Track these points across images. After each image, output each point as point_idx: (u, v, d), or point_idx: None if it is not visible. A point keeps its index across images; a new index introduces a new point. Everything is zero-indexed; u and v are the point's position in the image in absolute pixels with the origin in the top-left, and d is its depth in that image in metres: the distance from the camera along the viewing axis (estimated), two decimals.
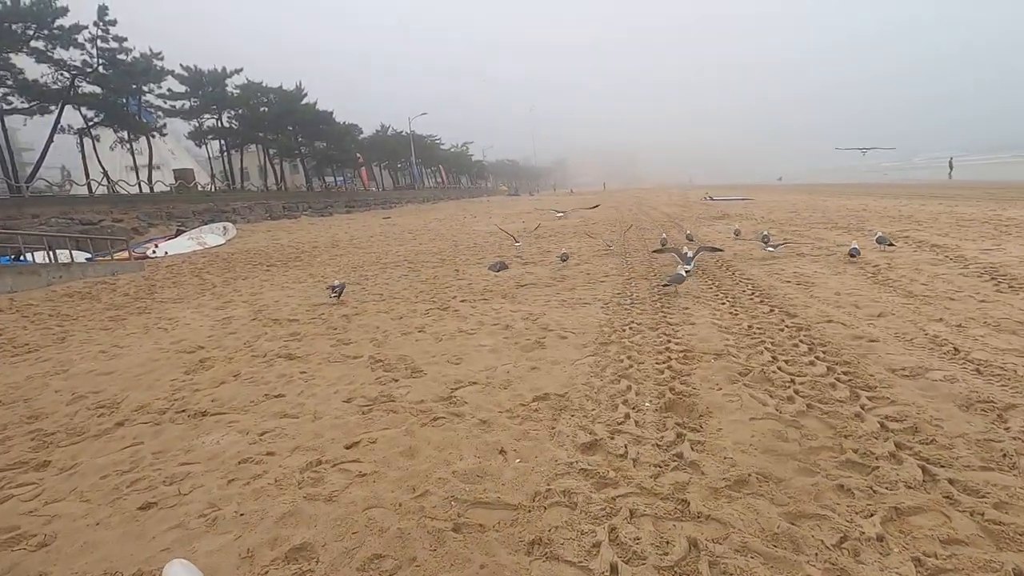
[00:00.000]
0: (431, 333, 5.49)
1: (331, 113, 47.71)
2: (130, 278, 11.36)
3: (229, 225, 21.52)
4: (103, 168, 27.49)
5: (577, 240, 13.16)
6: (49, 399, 4.36)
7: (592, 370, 3.99)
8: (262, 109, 40.28)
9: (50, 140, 24.59)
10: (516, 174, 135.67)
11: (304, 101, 43.73)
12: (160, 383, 4.61)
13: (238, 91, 38.48)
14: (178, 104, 35.67)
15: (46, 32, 23.12)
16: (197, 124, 38.02)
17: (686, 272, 6.85)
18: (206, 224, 21.89)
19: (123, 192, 27.34)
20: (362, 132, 57.13)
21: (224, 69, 36.73)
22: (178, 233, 19.34)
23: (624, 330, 5.01)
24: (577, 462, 2.68)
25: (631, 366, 4.00)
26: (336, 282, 7.83)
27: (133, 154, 30.26)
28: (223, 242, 18.84)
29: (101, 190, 26.22)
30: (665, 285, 6.64)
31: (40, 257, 12.15)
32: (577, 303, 6.36)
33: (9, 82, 23.08)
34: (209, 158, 41.39)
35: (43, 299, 8.99)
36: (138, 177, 29.42)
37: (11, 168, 22.99)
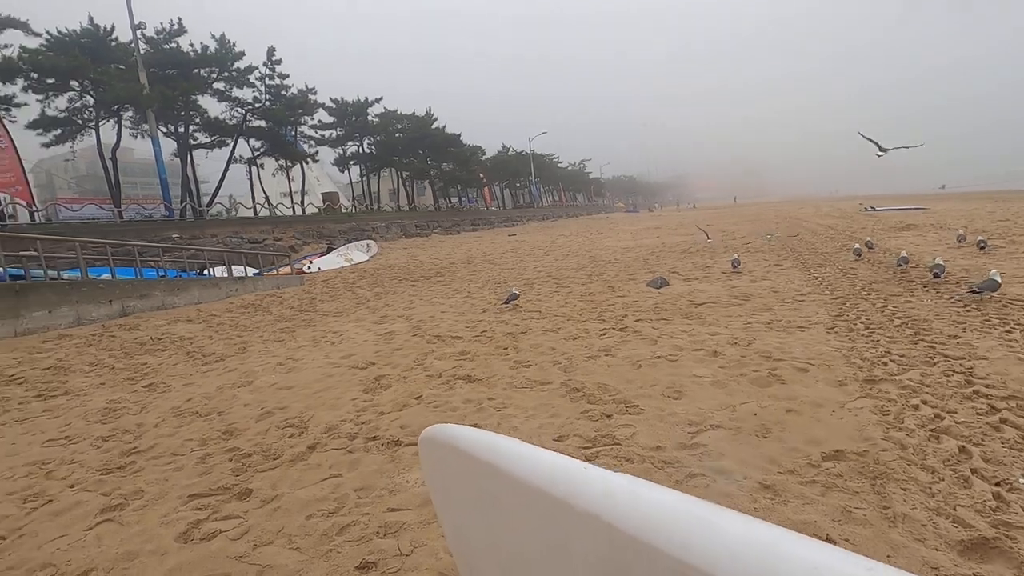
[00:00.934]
0: (622, 358, 4.74)
1: (458, 136, 49.83)
2: (293, 291, 12.06)
3: (372, 243, 22.74)
4: (264, 193, 30.85)
5: (738, 254, 11.84)
6: (240, 413, 4.26)
7: (882, 418, 2.98)
8: (397, 135, 43.11)
9: (226, 169, 28.06)
10: (633, 190, 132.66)
11: (434, 126, 46.16)
12: (341, 401, 4.36)
13: (377, 119, 41.52)
14: (326, 134, 39.33)
15: (226, 74, 26.47)
16: (341, 151, 41.64)
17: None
18: (351, 242, 23.35)
19: (280, 214, 30.36)
20: (484, 153, 59.10)
21: (366, 99, 39.79)
22: (328, 250, 20.75)
23: (885, 363, 3.89)
24: None
25: (940, 415, 2.93)
26: (514, 289, 8.00)
27: (289, 180, 33.71)
28: (367, 258, 19.85)
29: (263, 212, 29.35)
30: (973, 292, 5.40)
31: (219, 272, 13.40)
32: (789, 326, 5.27)
33: (197, 120, 26.69)
34: (350, 182, 44.97)
35: (223, 310, 9.68)
36: (292, 201, 32.60)
37: (196, 194, 26.47)
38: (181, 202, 24.47)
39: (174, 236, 18.92)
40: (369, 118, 40.66)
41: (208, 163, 33.76)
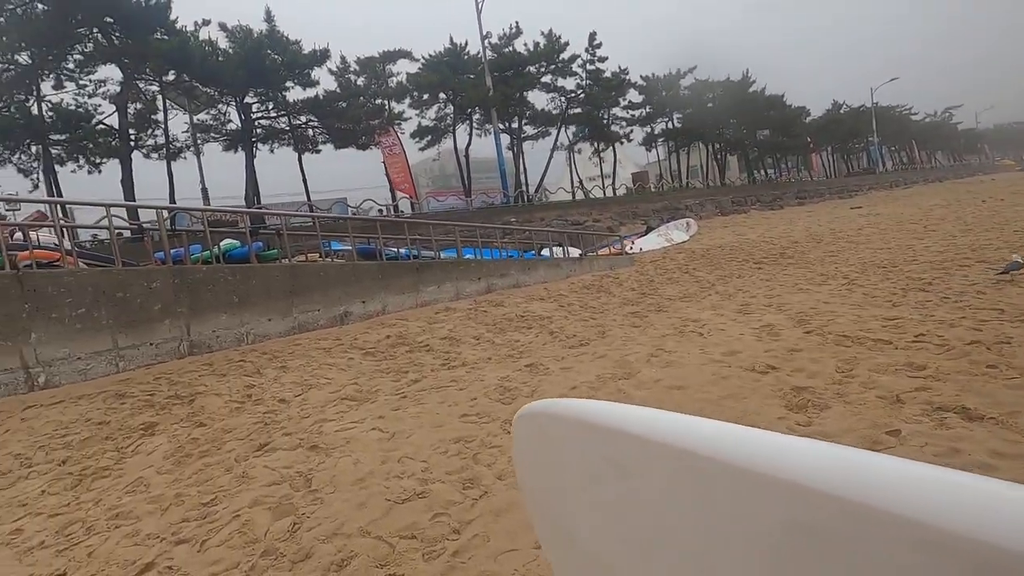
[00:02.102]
0: None
1: (781, 97, 43.77)
2: (627, 272, 11.83)
3: (691, 221, 21.49)
4: (579, 177, 32.57)
5: None
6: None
7: None
8: (708, 105, 40.21)
9: (551, 157, 30.59)
10: None
11: (751, 89, 41.49)
12: (762, 419, 3.41)
13: (687, 91, 39.46)
14: (636, 113, 39.29)
15: (552, 67, 28.56)
16: (650, 129, 41.07)
17: None
18: (668, 221, 22.53)
19: (594, 197, 31.63)
20: (809, 114, 50.63)
21: (678, 71, 38.15)
22: (648, 230, 20.38)
23: None
24: None
25: None
26: (1018, 257, 6.16)
27: (600, 163, 34.88)
28: (687, 238, 18.72)
29: (579, 196, 31.06)
30: None
31: (557, 252, 14.22)
32: None
33: (527, 114, 29.63)
34: (659, 160, 44.17)
35: (568, 290, 9.94)
36: (603, 183, 33.64)
37: (524, 182, 29.60)
38: (515, 190, 27.64)
39: (511, 220, 21.25)
40: (680, 91, 38.94)
41: (531, 154, 37.65)
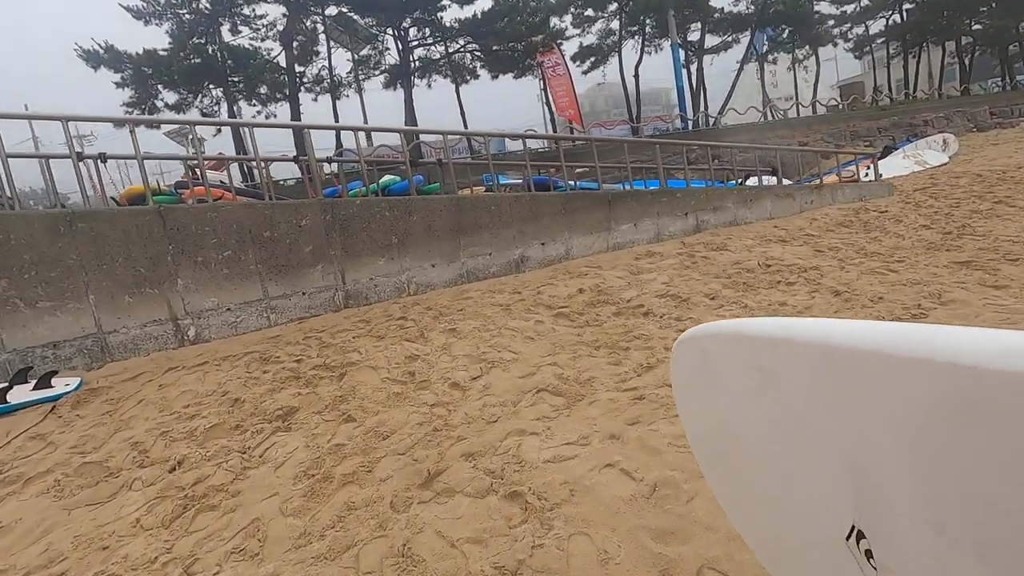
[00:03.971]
0: None
1: None
2: (889, 203, 8.68)
3: (950, 138, 16.43)
4: (768, 98, 27.31)
5: None
6: None
7: None
8: None
9: (740, 69, 25.88)
10: None
11: None
12: None
13: None
14: (847, 9, 31.79)
15: None
16: (864, 28, 33.18)
17: None
18: (912, 139, 17.62)
19: (792, 117, 26.39)
20: None
21: None
22: (885, 151, 15.96)
23: None
24: None
25: None
26: None
27: (803, 71, 28.93)
28: (947, 160, 14.16)
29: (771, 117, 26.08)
30: None
31: (766, 180, 11.32)
32: None
33: (709, 20, 25.17)
34: (874, 67, 35.85)
35: (816, 229, 7.33)
36: (796, 98, 27.87)
37: (704, 104, 25.59)
38: (694, 113, 23.94)
39: (694, 146, 18.17)
40: None
41: (710, 73, 32.56)
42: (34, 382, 4.06)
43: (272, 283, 5.19)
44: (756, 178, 11.90)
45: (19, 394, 3.94)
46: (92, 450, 3.08)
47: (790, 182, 12.18)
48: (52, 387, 4.06)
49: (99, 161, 6.33)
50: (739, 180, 12.50)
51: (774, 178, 12.12)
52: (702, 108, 24.66)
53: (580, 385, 3.25)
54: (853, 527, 0.54)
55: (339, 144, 17.47)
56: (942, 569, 0.43)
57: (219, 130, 17.09)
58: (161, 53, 15.14)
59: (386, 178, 8.43)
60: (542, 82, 24.31)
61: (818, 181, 12.00)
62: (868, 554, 0.53)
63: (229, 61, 15.71)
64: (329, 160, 8.34)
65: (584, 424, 2.77)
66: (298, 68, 17.09)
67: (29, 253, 4.35)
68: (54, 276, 4.42)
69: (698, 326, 0.73)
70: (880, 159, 14.72)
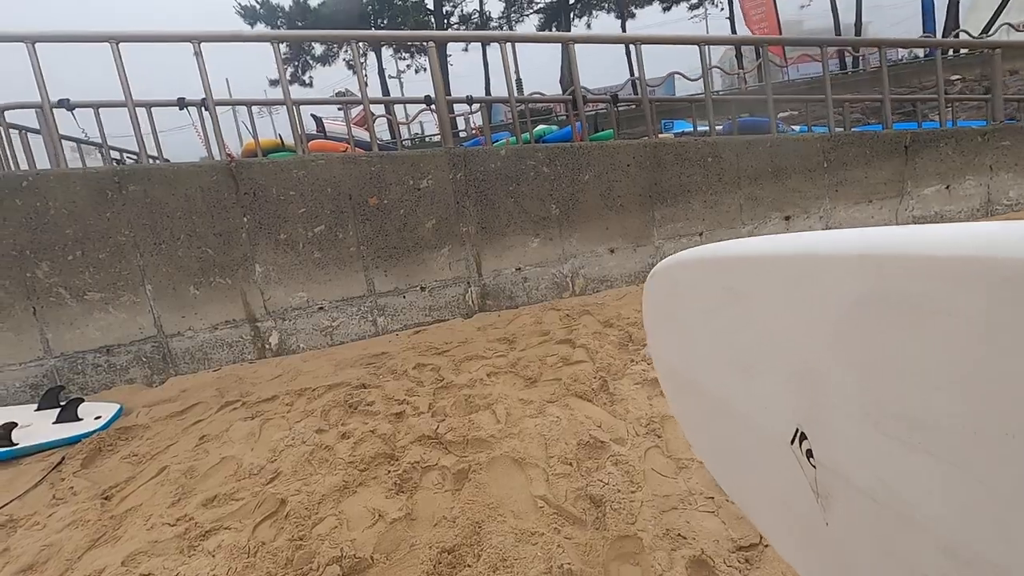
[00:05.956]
0: None
1: None
2: None
3: None
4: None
5: None
6: None
7: None
8: None
9: None
10: None
11: None
12: None
13: None
14: None
15: None
16: None
17: None
18: None
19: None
20: None
21: None
22: None
23: None
24: None
25: None
26: None
27: None
28: None
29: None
30: None
31: None
32: None
33: None
34: None
35: None
36: None
37: (956, 21, 19.73)
38: (946, 34, 18.46)
39: (954, 78, 13.72)
40: None
41: None
42: (58, 410, 3.00)
43: (380, 273, 3.69)
44: None
45: (35, 431, 2.89)
46: None
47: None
48: (79, 419, 2.98)
49: (202, 108, 5.35)
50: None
51: None
52: (958, 26, 18.94)
53: None
54: (797, 430, 0.55)
55: (488, 93, 16.07)
56: (878, 460, 0.44)
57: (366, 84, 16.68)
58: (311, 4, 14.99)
59: (540, 127, 6.71)
60: (727, 7, 20.49)
61: None
62: (809, 453, 0.54)
63: (375, 4, 15.02)
64: (469, 100, 6.72)
65: None
66: (445, 8, 15.88)
67: (72, 227, 3.26)
68: (103, 258, 3.30)
69: (668, 257, 0.73)
70: None
